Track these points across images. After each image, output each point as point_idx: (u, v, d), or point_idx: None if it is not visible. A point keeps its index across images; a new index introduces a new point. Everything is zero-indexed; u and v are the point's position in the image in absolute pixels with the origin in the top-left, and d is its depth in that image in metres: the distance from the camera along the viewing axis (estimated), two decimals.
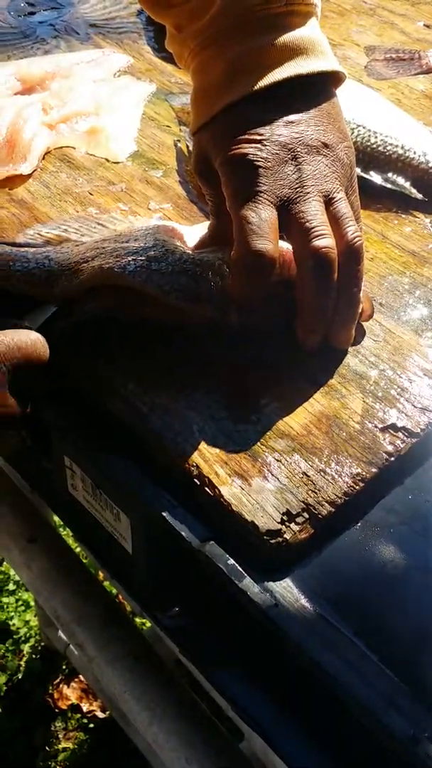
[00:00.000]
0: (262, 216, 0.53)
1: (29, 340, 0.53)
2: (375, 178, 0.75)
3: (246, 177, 0.54)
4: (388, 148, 0.75)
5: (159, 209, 0.73)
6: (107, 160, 0.79)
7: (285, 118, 0.55)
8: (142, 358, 0.60)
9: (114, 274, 0.58)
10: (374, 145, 0.75)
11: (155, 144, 0.81)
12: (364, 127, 0.76)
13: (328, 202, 0.56)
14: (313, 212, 0.54)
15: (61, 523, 1.26)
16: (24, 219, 0.71)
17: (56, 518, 1.16)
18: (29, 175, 0.76)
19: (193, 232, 0.65)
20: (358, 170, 0.74)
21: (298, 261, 0.55)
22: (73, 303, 0.60)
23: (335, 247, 0.55)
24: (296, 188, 0.55)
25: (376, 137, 0.75)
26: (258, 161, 0.54)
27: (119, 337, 0.61)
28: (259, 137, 0.54)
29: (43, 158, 0.78)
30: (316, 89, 0.57)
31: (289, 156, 0.55)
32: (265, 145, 0.54)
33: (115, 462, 0.57)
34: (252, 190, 0.54)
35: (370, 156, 0.75)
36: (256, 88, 0.55)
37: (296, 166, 0.55)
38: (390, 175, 0.75)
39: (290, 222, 0.55)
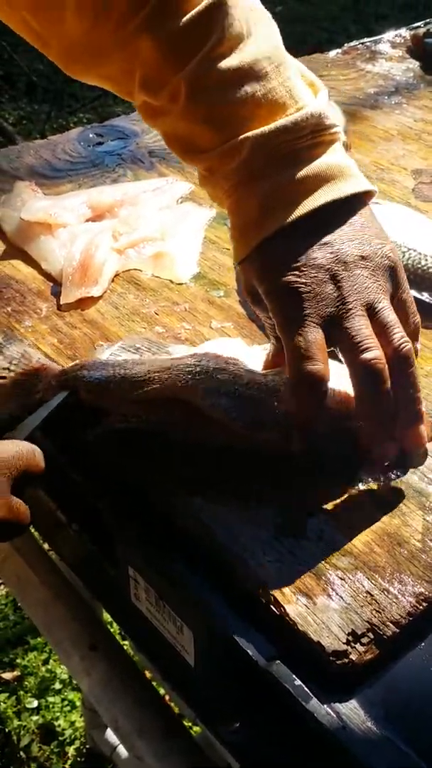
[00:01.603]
0: (309, 338, 0.56)
1: (30, 449, 0.55)
2: (426, 298, 0.79)
3: (290, 304, 0.58)
4: None
5: (220, 328, 0.78)
6: (172, 282, 0.84)
7: (319, 242, 0.59)
8: (207, 470, 0.63)
9: (186, 392, 0.61)
10: (425, 267, 0.79)
11: (216, 266, 0.87)
12: (414, 251, 0.80)
13: (372, 312, 0.58)
14: (357, 327, 0.57)
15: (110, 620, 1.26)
16: (95, 338, 0.76)
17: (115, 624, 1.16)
18: (100, 297, 0.81)
19: (252, 352, 0.68)
20: (413, 292, 0.79)
21: (351, 375, 0.58)
22: (137, 411, 0.63)
23: (383, 357, 0.57)
24: (339, 306, 0.57)
25: (426, 260, 0.80)
26: (300, 287, 0.57)
27: (182, 449, 0.64)
28: (297, 264, 0.58)
29: (113, 280, 0.84)
30: (346, 209, 0.61)
31: (328, 276, 0.58)
32: (303, 271, 0.58)
33: (180, 575, 0.58)
34: (298, 315, 0.57)
35: (421, 277, 0.79)
36: (288, 221, 0.58)
37: (336, 284, 0.58)
38: None
39: (338, 339, 0.58)
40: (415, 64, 1.32)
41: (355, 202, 0.61)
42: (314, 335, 0.57)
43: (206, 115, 0.59)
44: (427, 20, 1.44)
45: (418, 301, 0.78)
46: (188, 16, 0.58)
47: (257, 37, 0.60)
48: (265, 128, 0.59)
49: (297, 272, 0.58)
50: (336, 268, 0.58)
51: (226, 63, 0.58)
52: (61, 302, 0.80)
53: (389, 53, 1.36)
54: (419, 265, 0.79)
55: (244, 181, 0.60)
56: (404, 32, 1.41)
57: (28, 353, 0.69)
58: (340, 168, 0.60)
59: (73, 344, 0.76)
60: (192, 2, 0.58)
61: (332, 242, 0.59)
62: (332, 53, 1.36)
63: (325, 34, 3.57)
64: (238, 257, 0.62)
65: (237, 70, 0.58)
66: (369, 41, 1.39)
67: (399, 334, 0.58)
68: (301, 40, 3.51)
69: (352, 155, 1.06)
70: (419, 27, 1.40)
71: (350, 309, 0.57)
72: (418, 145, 1.09)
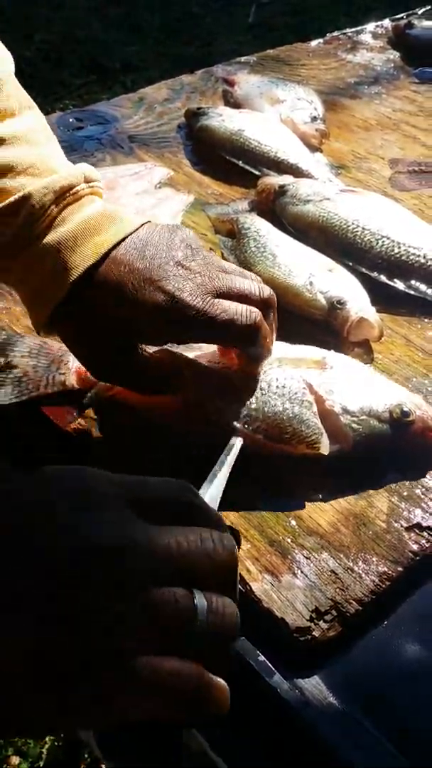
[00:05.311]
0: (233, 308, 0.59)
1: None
2: (399, 285, 0.80)
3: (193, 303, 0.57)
4: (411, 257, 0.80)
5: None
6: None
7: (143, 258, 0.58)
8: (182, 451, 0.63)
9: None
10: (398, 255, 0.80)
11: None
12: (388, 239, 0.81)
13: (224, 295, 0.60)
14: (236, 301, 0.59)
15: None
16: None
17: None
18: None
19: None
20: (382, 278, 0.80)
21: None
22: None
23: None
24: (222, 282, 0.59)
25: (399, 247, 0.80)
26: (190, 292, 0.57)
27: (161, 437, 0.65)
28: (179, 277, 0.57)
29: None
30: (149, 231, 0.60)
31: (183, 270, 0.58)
32: (189, 279, 0.58)
33: None
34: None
35: (394, 265, 0.80)
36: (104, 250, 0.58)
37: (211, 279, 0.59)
38: (413, 282, 0.80)
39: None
40: (395, 55, 1.33)
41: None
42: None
43: None
44: (409, 11, 1.44)
45: (389, 286, 0.80)
46: None
47: (30, 113, 0.64)
48: (46, 182, 0.59)
49: (184, 281, 0.58)
50: (208, 272, 0.59)
51: (2, 128, 0.61)
52: None
53: (370, 43, 1.36)
54: (392, 253, 0.80)
55: (36, 234, 0.59)
56: (386, 23, 1.42)
57: (48, 343, 0.71)
58: (121, 210, 0.62)
59: None
60: None
61: (153, 256, 0.59)
62: (314, 43, 1.37)
63: (316, 24, 3.57)
64: (51, 304, 0.58)
65: (14, 134, 0.61)
66: (351, 31, 1.40)
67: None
68: (292, 31, 3.50)
69: (331, 144, 1.07)
70: (401, 18, 1.41)
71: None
72: (396, 136, 1.10)
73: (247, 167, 1.00)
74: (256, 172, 0.98)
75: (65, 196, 0.60)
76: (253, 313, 0.59)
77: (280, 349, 0.68)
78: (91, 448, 0.65)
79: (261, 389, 0.63)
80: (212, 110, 1.07)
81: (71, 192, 0.60)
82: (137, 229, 0.60)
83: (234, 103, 1.15)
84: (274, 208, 0.89)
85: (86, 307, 0.58)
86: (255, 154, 1.00)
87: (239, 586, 0.55)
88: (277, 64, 1.29)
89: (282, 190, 0.89)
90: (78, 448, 0.66)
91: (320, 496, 0.61)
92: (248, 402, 0.62)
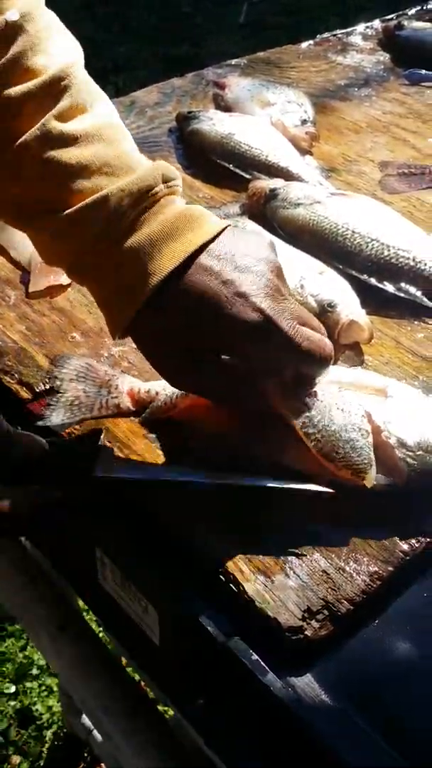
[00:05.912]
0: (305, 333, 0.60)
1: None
2: (388, 287, 0.81)
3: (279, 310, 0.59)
4: (401, 260, 0.81)
5: None
6: None
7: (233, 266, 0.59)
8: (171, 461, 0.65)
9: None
10: (387, 258, 0.81)
11: None
12: (377, 241, 0.82)
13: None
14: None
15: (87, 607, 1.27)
16: (63, 326, 0.78)
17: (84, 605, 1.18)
18: (69, 285, 0.82)
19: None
20: (372, 280, 0.81)
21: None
22: None
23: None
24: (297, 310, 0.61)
25: (389, 250, 0.81)
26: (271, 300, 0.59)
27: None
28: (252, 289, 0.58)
29: None
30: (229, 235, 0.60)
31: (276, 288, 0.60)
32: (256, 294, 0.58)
33: (145, 556, 0.60)
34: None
35: (383, 267, 0.81)
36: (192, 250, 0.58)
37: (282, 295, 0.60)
38: (402, 284, 0.81)
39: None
40: (385, 57, 1.34)
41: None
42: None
43: (60, 173, 0.59)
44: (399, 12, 1.45)
45: (379, 289, 0.81)
46: (34, 82, 0.59)
47: (101, 107, 0.62)
48: (123, 183, 0.59)
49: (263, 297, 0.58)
50: (278, 283, 0.60)
51: (76, 125, 0.60)
52: (30, 290, 0.81)
53: (361, 45, 1.37)
54: (382, 256, 0.81)
55: (114, 239, 0.59)
56: (376, 24, 1.43)
57: (93, 366, 0.71)
58: (201, 210, 0.62)
59: (41, 332, 0.77)
60: (36, 72, 0.59)
61: (247, 266, 0.59)
62: (304, 44, 1.37)
63: (314, 24, 3.58)
64: (132, 309, 0.59)
65: (87, 131, 0.60)
66: (341, 33, 1.41)
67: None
68: (284, 30, 3.51)
69: (321, 147, 1.08)
70: (391, 19, 1.42)
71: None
72: (386, 138, 1.11)
73: (238, 171, 1.01)
74: (247, 176, 0.99)
75: (143, 198, 0.59)
76: (329, 345, 0.61)
77: (337, 372, 0.67)
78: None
79: (323, 403, 0.62)
80: (203, 114, 1.08)
81: (150, 194, 0.60)
82: (220, 233, 0.60)
83: (224, 106, 1.16)
84: (264, 212, 0.90)
85: (168, 313, 0.59)
86: (245, 158, 1.01)
87: (233, 587, 0.56)
88: (267, 66, 1.30)
89: (273, 194, 0.90)
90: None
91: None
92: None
